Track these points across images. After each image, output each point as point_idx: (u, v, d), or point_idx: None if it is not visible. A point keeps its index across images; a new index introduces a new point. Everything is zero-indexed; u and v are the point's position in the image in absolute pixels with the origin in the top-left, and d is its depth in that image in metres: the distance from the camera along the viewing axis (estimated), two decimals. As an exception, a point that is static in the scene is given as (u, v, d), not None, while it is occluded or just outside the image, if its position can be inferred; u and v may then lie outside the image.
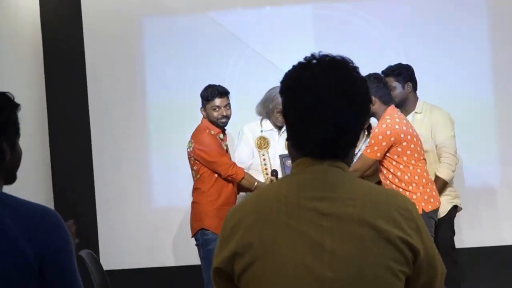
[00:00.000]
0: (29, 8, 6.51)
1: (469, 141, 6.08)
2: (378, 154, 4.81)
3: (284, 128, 5.43)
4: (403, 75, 5.30)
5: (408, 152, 4.84)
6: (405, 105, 5.32)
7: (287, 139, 1.97)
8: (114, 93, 6.67)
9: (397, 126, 4.82)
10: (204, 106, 5.24)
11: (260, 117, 5.49)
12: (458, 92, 6.35)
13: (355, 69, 1.92)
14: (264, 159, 5.40)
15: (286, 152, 5.34)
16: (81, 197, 6.69)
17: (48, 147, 6.69)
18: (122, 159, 6.67)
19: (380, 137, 4.79)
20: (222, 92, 5.21)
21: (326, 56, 1.94)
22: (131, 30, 6.66)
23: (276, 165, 5.32)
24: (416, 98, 5.40)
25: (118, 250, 6.70)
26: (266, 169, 5.37)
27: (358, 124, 1.91)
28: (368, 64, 6.28)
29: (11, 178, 2.25)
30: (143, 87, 6.66)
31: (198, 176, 5.21)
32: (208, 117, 5.21)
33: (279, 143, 5.43)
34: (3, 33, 6.01)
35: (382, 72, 5.26)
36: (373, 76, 4.92)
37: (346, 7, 6.52)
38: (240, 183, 5.18)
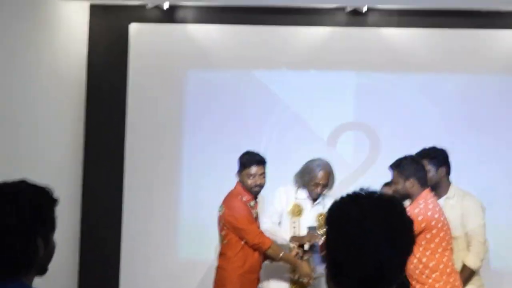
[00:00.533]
0: (77, 52, 6.65)
1: (497, 225, 5.94)
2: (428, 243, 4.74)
3: (318, 200, 5.42)
4: (437, 159, 5.23)
5: (437, 240, 4.76)
6: (437, 189, 5.24)
7: (326, 270, 1.96)
8: (151, 143, 6.73)
9: (429, 213, 4.73)
10: (240, 171, 5.25)
11: (296, 187, 5.47)
12: (491, 179, 6.27)
13: (402, 209, 1.94)
14: (294, 227, 5.36)
15: (315, 224, 5.33)
16: (107, 240, 6.73)
17: (80, 188, 6.77)
18: (152, 208, 6.70)
19: (420, 218, 4.69)
20: (259, 161, 5.22)
21: (374, 193, 1.94)
22: (175, 81, 6.75)
23: (304, 233, 5.28)
24: (449, 183, 5.31)
25: (139, 299, 6.70)
26: None
27: (399, 264, 1.91)
28: (406, 137, 6.35)
29: (42, 271, 2.27)
30: (180, 139, 6.72)
31: (225, 241, 5.21)
32: (242, 183, 5.22)
33: (310, 212, 5.40)
34: (50, 74, 6.15)
35: (417, 153, 5.21)
36: (411, 158, 4.88)
37: (390, 78, 6.52)
38: (266, 252, 5.16)
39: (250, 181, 5.17)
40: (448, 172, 5.29)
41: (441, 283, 4.74)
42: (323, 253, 2.01)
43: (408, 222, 1.93)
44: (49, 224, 2.23)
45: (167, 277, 6.69)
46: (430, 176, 5.13)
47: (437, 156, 5.24)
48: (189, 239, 6.69)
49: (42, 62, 6.01)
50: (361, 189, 1.95)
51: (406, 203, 5.02)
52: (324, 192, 5.39)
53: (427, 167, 5.12)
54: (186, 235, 6.70)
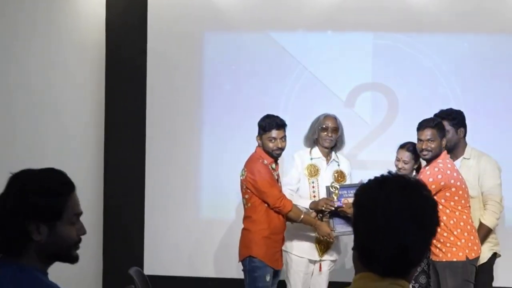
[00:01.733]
0: (96, 15, 6.71)
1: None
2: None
3: (333, 157, 5.51)
4: (457, 120, 5.33)
5: (456, 197, 4.89)
6: (455, 150, 5.34)
7: (353, 249, 2.02)
8: (172, 103, 6.82)
9: (448, 172, 4.90)
10: (260, 135, 5.30)
11: (309, 148, 5.56)
12: (506, 139, 6.34)
13: (428, 192, 1.99)
14: (313, 187, 5.47)
15: (332, 181, 5.42)
16: (130, 202, 6.86)
17: (102, 150, 6.89)
18: (174, 167, 6.82)
19: (430, 179, 4.85)
20: (280, 125, 5.27)
21: (401, 177, 2.01)
22: (193, 44, 6.80)
23: (324, 192, 5.38)
24: (465, 144, 5.42)
25: (161, 257, 6.85)
26: (314, 196, 5.43)
27: (424, 245, 1.98)
28: (423, 97, 6.41)
29: (55, 257, 2.29)
30: (200, 100, 6.80)
31: (249, 204, 5.30)
32: (263, 147, 5.29)
33: (326, 171, 5.51)
34: (69, 36, 6.20)
35: (436, 114, 5.30)
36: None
37: (406, 39, 6.55)
38: (287, 215, 5.27)
39: (271, 145, 5.23)
40: (465, 133, 5.38)
41: (463, 240, 4.88)
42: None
43: (432, 205, 1.98)
44: (43, 211, 2.21)
45: (190, 236, 6.83)
46: (449, 137, 5.24)
47: (456, 117, 5.34)
48: (210, 199, 6.81)
49: (61, 27, 6.07)
50: (389, 172, 2.02)
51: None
52: (335, 138, 5.45)
53: (447, 127, 5.21)
54: (207, 195, 6.82)
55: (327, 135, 5.42)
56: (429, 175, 4.88)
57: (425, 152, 5.01)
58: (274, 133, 5.23)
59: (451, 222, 4.89)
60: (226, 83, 6.76)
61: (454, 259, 4.87)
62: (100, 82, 6.80)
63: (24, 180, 2.25)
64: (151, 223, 6.85)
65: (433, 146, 4.97)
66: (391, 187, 1.95)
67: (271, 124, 5.24)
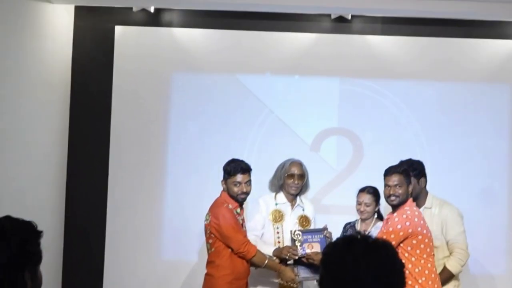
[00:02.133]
0: (63, 54, 6.66)
1: (475, 231, 6.03)
2: (393, 243, 4.79)
3: (297, 202, 5.51)
4: (417, 170, 5.37)
5: (422, 246, 4.90)
6: (417, 200, 5.36)
7: None
8: (136, 143, 6.76)
9: (416, 219, 4.91)
10: (225, 179, 5.28)
11: (274, 193, 5.56)
12: (471, 182, 6.42)
13: (394, 253, 2.02)
14: (278, 232, 5.45)
15: (297, 226, 5.41)
16: (91, 243, 6.75)
17: (64, 190, 6.78)
18: (137, 208, 6.74)
19: (399, 226, 4.85)
20: (245, 169, 5.25)
21: (368, 237, 2.02)
22: (160, 84, 6.79)
23: (288, 238, 5.36)
24: (427, 193, 5.47)
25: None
26: (279, 242, 5.41)
27: None
28: (388, 143, 6.47)
29: None
30: (165, 141, 6.76)
31: (213, 249, 5.25)
32: (228, 191, 5.27)
33: (291, 216, 5.50)
34: (35, 74, 6.15)
35: (396, 166, 5.31)
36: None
37: (372, 85, 6.63)
38: (251, 260, 5.23)
39: (236, 189, 5.21)
40: (425, 183, 5.44)
41: None
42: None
43: (400, 266, 2.00)
44: (36, 258, 2.27)
45: (152, 278, 6.72)
46: (403, 191, 5.23)
47: (417, 168, 5.39)
48: (173, 241, 6.74)
49: (27, 64, 6.01)
50: (358, 233, 2.05)
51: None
52: (301, 185, 5.45)
53: (398, 182, 5.24)
54: (170, 236, 6.74)
55: (293, 182, 5.43)
56: (398, 221, 4.87)
57: (392, 198, 4.99)
58: (239, 177, 5.21)
59: (416, 270, 4.89)
60: (192, 124, 6.74)
61: None
62: (64, 120, 6.73)
63: (14, 231, 2.23)
64: (111, 264, 6.74)
65: (400, 192, 4.97)
66: (359, 248, 1.97)
67: (236, 168, 5.22)
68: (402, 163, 5.33)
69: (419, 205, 5.34)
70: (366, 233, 5.41)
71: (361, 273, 1.92)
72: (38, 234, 2.30)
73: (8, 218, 2.30)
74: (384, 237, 4.75)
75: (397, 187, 4.98)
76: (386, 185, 5.05)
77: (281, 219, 5.47)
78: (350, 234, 2.05)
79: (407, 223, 4.84)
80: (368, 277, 1.92)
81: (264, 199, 5.52)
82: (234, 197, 5.23)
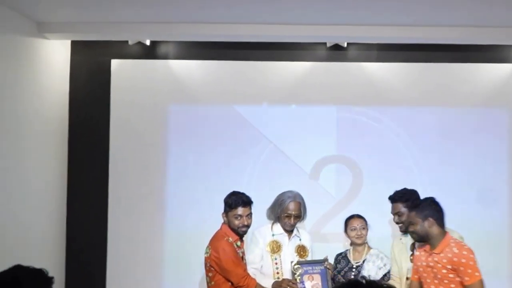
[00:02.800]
0: (60, 89, 6.67)
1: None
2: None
3: (294, 233, 5.48)
4: (410, 201, 5.31)
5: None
6: None
7: None
8: (134, 177, 6.75)
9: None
10: (226, 212, 5.25)
11: (271, 222, 5.53)
12: (472, 209, 6.39)
13: None
14: (276, 263, 5.41)
15: (295, 256, 5.38)
16: (92, 278, 6.71)
17: (65, 226, 6.76)
18: (137, 241, 6.72)
19: (472, 256, 4.73)
20: (246, 202, 5.23)
21: (373, 282, 2.03)
22: (157, 116, 6.79)
23: (287, 268, 5.33)
24: None
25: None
26: (278, 272, 5.37)
27: None
28: (387, 168, 6.45)
29: None
30: (164, 174, 6.75)
31: (213, 283, 5.21)
32: (228, 224, 5.24)
33: (289, 247, 5.46)
34: (32, 110, 6.15)
35: (390, 197, 5.35)
36: (430, 200, 4.94)
37: (369, 112, 6.62)
38: None
39: (237, 222, 5.19)
40: None
41: None
42: None
43: None
44: None
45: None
46: (404, 218, 5.24)
47: (409, 198, 5.32)
48: (173, 272, 6.69)
49: (25, 99, 6.02)
50: (362, 277, 2.02)
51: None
52: (297, 222, 5.44)
53: (402, 210, 5.25)
54: (170, 268, 6.70)
55: (289, 221, 5.41)
56: (467, 254, 4.75)
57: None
58: (240, 210, 5.19)
59: None
60: (190, 155, 6.73)
61: None
62: (63, 154, 6.73)
63: (27, 282, 2.22)
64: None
65: (415, 228, 4.89)
66: None
67: (237, 201, 5.20)
68: (395, 194, 5.35)
69: None
70: (359, 263, 5.46)
71: None
72: (50, 282, 2.28)
73: (19, 268, 2.28)
74: (477, 273, 4.68)
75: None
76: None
77: (278, 250, 5.43)
78: (355, 279, 2.01)
79: (473, 254, 4.76)
80: None
81: (260, 231, 5.49)
82: (235, 230, 5.20)
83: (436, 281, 4.80)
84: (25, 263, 5.63)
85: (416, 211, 4.82)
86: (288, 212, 5.39)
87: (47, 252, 6.40)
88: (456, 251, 4.73)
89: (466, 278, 4.69)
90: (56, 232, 6.63)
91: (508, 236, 6.49)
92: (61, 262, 6.71)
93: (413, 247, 5.27)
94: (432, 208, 4.83)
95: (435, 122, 6.60)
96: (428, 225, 4.82)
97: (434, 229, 4.81)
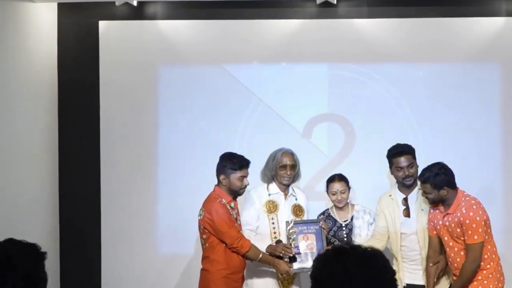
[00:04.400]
0: (48, 52, 6.61)
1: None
2: (484, 236, 4.86)
3: (290, 192, 5.49)
4: (415, 153, 5.37)
5: (489, 230, 4.97)
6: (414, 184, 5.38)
7: None
8: (126, 139, 6.73)
9: (481, 205, 4.93)
10: (227, 173, 5.24)
11: (266, 184, 5.53)
12: (464, 162, 6.38)
13: (385, 261, 2.00)
14: (273, 223, 5.42)
15: (291, 217, 5.39)
16: (86, 240, 6.74)
17: (57, 189, 6.75)
18: (130, 205, 6.72)
19: (478, 218, 4.82)
20: (248, 163, 5.28)
21: (358, 247, 2.00)
22: (147, 78, 6.73)
23: (284, 228, 5.33)
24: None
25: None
26: (275, 232, 5.40)
27: None
28: (379, 125, 6.44)
29: None
30: (155, 135, 6.72)
31: (207, 244, 5.23)
32: (229, 185, 5.24)
33: (285, 206, 5.47)
34: (21, 74, 6.11)
35: (399, 150, 5.33)
36: (440, 166, 5.01)
37: (361, 69, 6.58)
38: (245, 254, 5.21)
39: (240, 183, 5.22)
40: (417, 167, 5.41)
41: (493, 273, 4.98)
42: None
43: (391, 275, 1.98)
44: (42, 284, 2.24)
45: (149, 272, 6.72)
46: (415, 170, 5.29)
47: (415, 151, 5.36)
48: (168, 235, 6.72)
49: (13, 64, 5.97)
50: (347, 243, 2.01)
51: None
52: (293, 175, 5.44)
53: (413, 160, 5.28)
54: (165, 231, 6.72)
55: (285, 173, 5.40)
56: (474, 215, 4.84)
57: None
58: (245, 172, 5.24)
59: (485, 256, 4.94)
60: (181, 117, 6.69)
61: None
62: (53, 118, 6.69)
63: (24, 258, 2.20)
64: (108, 261, 6.72)
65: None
66: (349, 259, 1.94)
67: (242, 163, 5.23)
68: (404, 146, 5.36)
69: (409, 188, 5.37)
70: (348, 221, 5.52)
71: (353, 285, 1.90)
72: (43, 257, 2.26)
73: (11, 242, 2.25)
74: (476, 236, 4.80)
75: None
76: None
77: (275, 210, 5.44)
78: (339, 245, 2.00)
79: (480, 212, 4.87)
80: None
81: (256, 191, 5.49)
82: (235, 191, 5.23)
83: (452, 240, 4.97)
84: (18, 226, 5.67)
85: (430, 183, 4.91)
86: (282, 163, 5.40)
87: (39, 220, 6.41)
88: (464, 211, 4.86)
89: (465, 238, 4.85)
90: (49, 198, 6.63)
91: (501, 189, 6.50)
92: (55, 230, 6.72)
93: (405, 202, 5.32)
94: (444, 176, 4.93)
95: (427, 78, 6.55)
96: (442, 193, 4.93)
97: (448, 194, 4.94)
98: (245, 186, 5.27)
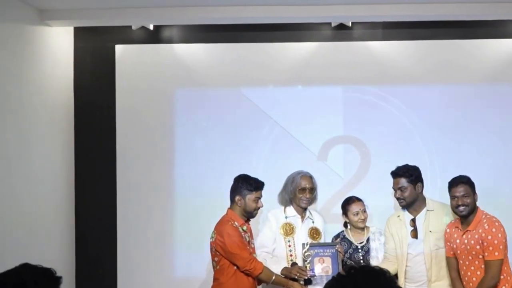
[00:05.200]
0: (64, 76, 6.64)
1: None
2: (505, 252, 4.96)
3: (307, 215, 5.48)
4: (414, 176, 5.39)
5: (506, 251, 5.04)
6: (415, 204, 5.40)
7: None
8: (142, 161, 6.74)
9: (502, 224, 5.01)
10: (244, 195, 5.25)
11: (283, 207, 5.53)
12: (481, 184, 6.33)
13: (391, 278, 2.06)
14: (289, 246, 5.42)
15: (308, 239, 5.38)
16: (102, 261, 6.73)
17: (73, 213, 6.77)
18: (146, 228, 6.72)
19: (499, 235, 4.91)
20: (263, 184, 5.30)
21: (364, 266, 2.09)
22: (163, 101, 6.76)
23: (300, 251, 5.33)
24: (424, 198, 5.48)
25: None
26: (291, 255, 5.39)
27: None
28: (394, 147, 6.43)
29: None
30: (171, 158, 6.73)
31: (218, 267, 5.22)
32: (244, 207, 5.24)
33: (302, 229, 5.47)
34: (38, 98, 6.15)
35: (393, 172, 5.40)
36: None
37: (376, 91, 6.59)
38: (258, 277, 5.19)
39: (255, 205, 5.24)
40: (422, 188, 5.46)
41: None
42: None
43: (395, 284, 2.07)
44: None
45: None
46: (408, 193, 5.30)
47: (413, 174, 5.42)
48: (184, 258, 6.71)
49: (30, 88, 6.01)
50: (378, 268, 2.10)
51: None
52: (312, 198, 5.45)
53: (405, 184, 5.30)
54: (181, 254, 6.72)
55: (304, 196, 5.42)
56: (496, 231, 4.94)
57: (461, 208, 5.07)
58: (260, 193, 5.25)
59: (501, 277, 4.98)
60: (197, 140, 6.71)
61: None
62: (70, 142, 6.72)
63: (39, 283, 2.20)
64: (123, 284, 6.71)
65: (468, 201, 5.06)
66: (358, 275, 2.02)
67: (257, 184, 5.26)
68: (398, 169, 5.41)
69: (417, 210, 5.41)
70: (363, 243, 5.57)
71: None
72: (58, 282, 2.25)
73: (26, 267, 2.24)
74: (496, 253, 4.87)
75: (465, 197, 5.06)
76: (453, 196, 5.12)
77: (292, 232, 5.44)
78: (369, 266, 2.07)
79: (502, 229, 4.96)
80: None
81: (274, 214, 5.50)
82: (249, 213, 5.24)
83: (470, 258, 4.98)
84: (34, 249, 5.69)
85: (470, 185, 5.08)
86: (301, 186, 5.42)
87: (55, 242, 6.42)
88: (486, 227, 4.93)
89: (486, 254, 4.89)
90: (65, 221, 6.64)
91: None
92: (71, 251, 6.72)
93: (413, 223, 5.33)
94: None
95: (442, 99, 6.56)
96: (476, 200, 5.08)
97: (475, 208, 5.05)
98: (259, 208, 5.28)
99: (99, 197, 6.75)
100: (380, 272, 2.04)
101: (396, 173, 5.37)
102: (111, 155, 6.75)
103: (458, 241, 5.04)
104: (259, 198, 5.25)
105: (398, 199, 5.38)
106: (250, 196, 5.22)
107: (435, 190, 6.05)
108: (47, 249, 6.14)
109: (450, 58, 6.55)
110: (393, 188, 5.40)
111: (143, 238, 6.73)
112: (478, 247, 4.92)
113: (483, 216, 5.01)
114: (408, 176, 5.34)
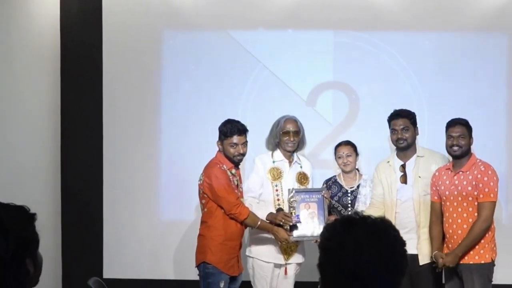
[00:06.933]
0: (50, 14, 6.54)
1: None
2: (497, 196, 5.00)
3: (295, 159, 5.46)
4: (414, 119, 5.37)
5: None
6: (409, 148, 5.37)
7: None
8: (129, 104, 6.68)
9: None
10: (221, 140, 5.21)
11: (271, 151, 5.50)
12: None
13: (396, 232, 1.94)
14: (277, 190, 5.40)
15: (295, 184, 5.37)
16: (89, 203, 6.71)
17: (59, 151, 6.73)
18: (132, 169, 6.69)
19: (495, 178, 4.96)
20: (241, 130, 5.19)
21: (367, 218, 1.94)
22: (151, 42, 6.66)
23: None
24: (415, 144, 5.46)
25: (121, 260, 6.72)
26: (278, 199, 5.38)
27: (394, 286, 1.93)
28: (384, 93, 6.39)
29: (35, 283, 2.23)
30: (158, 100, 6.68)
31: (206, 209, 5.21)
32: (224, 152, 5.21)
33: (289, 174, 5.44)
34: (24, 37, 6.07)
35: (396, 113, 5.35)
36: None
37: (367, 37, 6.50)
38: (243, 222, 5.18)
39: (232, 150, 5.16)
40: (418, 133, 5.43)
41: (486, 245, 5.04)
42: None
43: (401, 245, 1.94)
44: (34, 244, 2.17)
45: (150, 238, 6.72)
46: (410, 134, 5.27)
47: (414, 117, 5.39)
48: (170, 200, 6.71)
49: (15, 25, 5.95)
50: (355, 213, 1.96)
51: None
52: (297, 142, 5.41)
53: (408, 124, 5.28)
54: (167, 196, 6.71)
55: (288, 139, 5.36)
56: (492, 174, 4.99)
57: (455, 148, 5.05)
58: (236, 139, 5.15)
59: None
60: (185, 82, 6.64)
61: (482, 261, 4.97)
62: (56, 81, 6.64)
63: (13, 221, 2.15)
64: (110, 225, 6.73)
65: (463, 143, 5.03)
66: (359, 230, 1.90)
67: (232, 129, 5.16)
68: (401, 111, 5.36)
69: (407, 156, 5.37)
70: (354, 188, 5.56)
71: (363, 259, 1.86)
72: (33, 218, 2.22)
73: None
74: (492, 195, 4.89)
75: (460, 138, 5.03)
76: (449, 136, 5.10)
77: (279, 177, 5.41)
78: (348, 215, 1.95)
79: (497, 174, 5.00)
80: (370, 264, 1.86)
81: (261, 158, 5.47)
82: (230, 158, 5.19)
83: (459, 199, 4.98)
84: (18, 193, 5.68)
85: (467, 127, 5.07)
86: (286, 129, 5.36)
87: (41, 187, 6.40)
88: (483, 169, 4.96)
89: (481, 195, 4.91)
90: (50, 163, 6.63)
91: (505, 157, 6.45)
92: (57, 195, 6.71)
93: (402, 169, 5.31)
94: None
95: (433, 47, 6.48)
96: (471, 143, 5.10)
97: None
98: (240, 154, 5.20)
99: (85, 137, 6.70)
100: (383, 226, 1.92)
101: (399, 114, 5.31)
102: (98, 93, 6.67)
103: (447, 182, 5.03)
104: (236, 144, 5.15)
105: (398, 140, 5.27)
106: (226, 142, 5.16)
107: (423, 137, 6.01)
108: (33, 192, 6.11)
109: (443, 5, 6.45)
110: (393, 129, 5.30)
111: (129, 181, 6.71)
112: (470, 188, 4.92)
113: (478, 160, 5.03)
114: (411, 118, 5.32)
